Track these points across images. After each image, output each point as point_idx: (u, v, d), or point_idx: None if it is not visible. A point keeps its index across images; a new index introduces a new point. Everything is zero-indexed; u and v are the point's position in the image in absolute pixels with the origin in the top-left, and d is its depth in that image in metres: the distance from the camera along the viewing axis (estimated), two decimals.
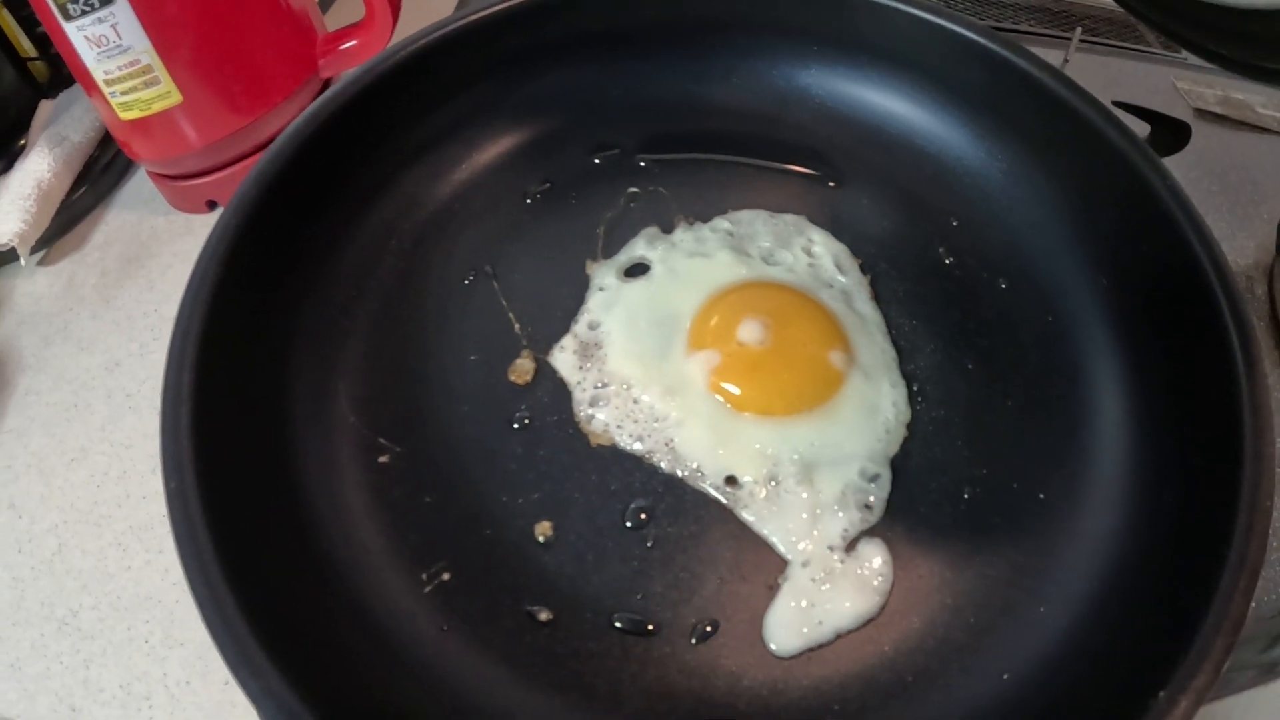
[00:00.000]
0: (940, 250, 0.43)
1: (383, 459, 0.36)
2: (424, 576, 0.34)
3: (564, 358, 0.39)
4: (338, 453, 0.36)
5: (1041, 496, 0.36)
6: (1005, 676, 0.31)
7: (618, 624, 0.33)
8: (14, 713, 0.39)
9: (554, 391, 0.39)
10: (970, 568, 0.34)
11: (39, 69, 0.59)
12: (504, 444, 0.37)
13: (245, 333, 0.35)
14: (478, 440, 0.37)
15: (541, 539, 0.35)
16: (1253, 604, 0.36)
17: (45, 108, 0.59)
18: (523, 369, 0.39)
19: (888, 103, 0.46)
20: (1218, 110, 0.57)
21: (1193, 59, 0.41)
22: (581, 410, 0.38)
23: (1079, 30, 0.56)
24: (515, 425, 0.38)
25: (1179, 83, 0.59)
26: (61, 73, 0.59)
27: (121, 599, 0.41)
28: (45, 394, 0.49)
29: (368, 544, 0.34)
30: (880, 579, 0.34)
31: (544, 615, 0.33)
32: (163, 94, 0.48)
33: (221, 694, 0.38)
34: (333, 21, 0.56)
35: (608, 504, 0.36)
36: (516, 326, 0.41)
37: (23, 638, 0.40)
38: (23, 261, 0.52)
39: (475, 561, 0.34)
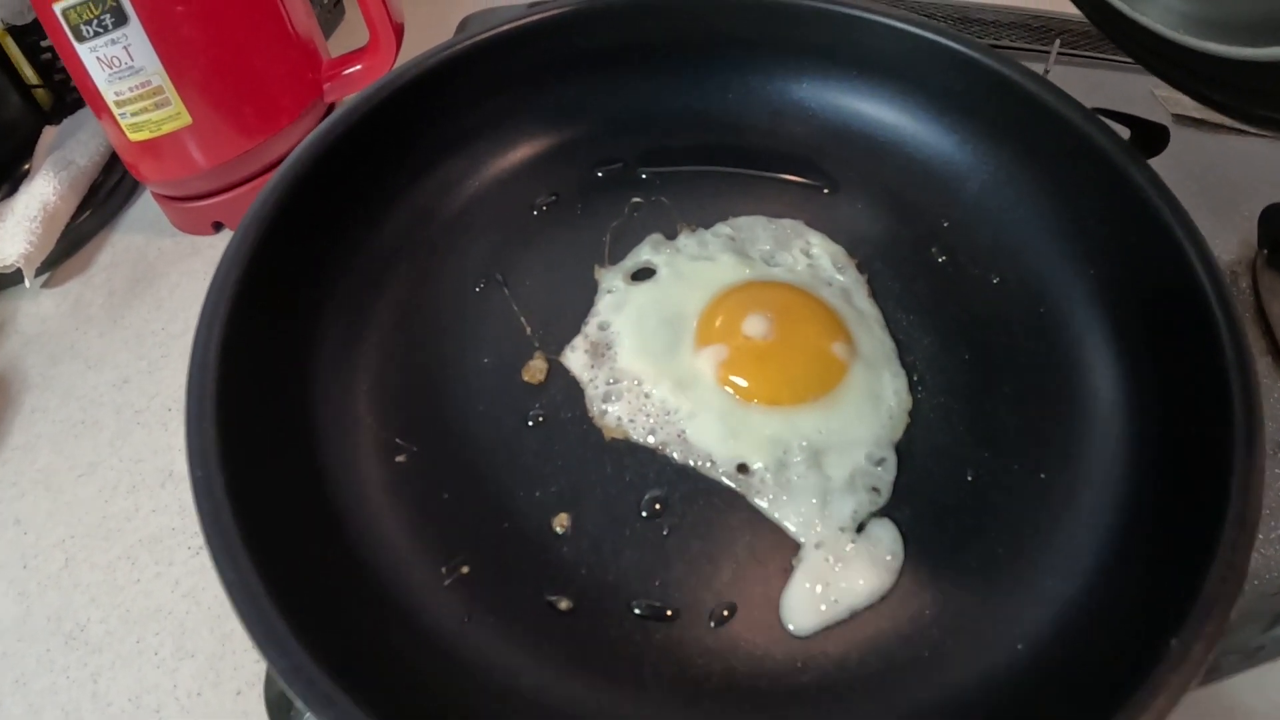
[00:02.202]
0: (933, 250, 0.44)
1: (400, 458, 0.37)
2: (443, 570, 0.34)
3: (575, 357, 0.40)
4: (357, 452, 0.37)
5: (1042, 476, 0.36)
6: (1020, 647, 0.32)
7: (637, 610, 0.34)
8: None
9: (567, 389, 0.40)
10: (978, 544, 0.35)
11: (42, 96, 0.60)
12: (520, 440, 0.38)
13: (265, 340, 0.35)
14: (494, 438, 0.38)
15: (559, 530, 0.35)
16: (1254, 580, 0.37)
17: (49, 133, 0.59)
18: (536, 369, 0.40)
19: (877, 112, 0.47)
20: (1195, 115, 0.58)
21: None
22: (595, 406, 0.39)
23: (1058, 42, 0.57)
24: (530, 423, 0.38)
25: (1157, 90, 0.59)
26: (64, 99, 0.60)
27: (131, 611, 0.41)
28: (52, 411, 0.48)
29: (389, 538, 0.34)
30: (891, 557, 0.34)
31: (564, 604, 0.34)
32: (172, 115, 0.49)
33: (234, 704, 0.38)
34: (335, 47, 0.58)
35: (623, 495, 0.36)
36: (528, 329, 0.41)
37: (28, 653, 0.40)
38: (27, 283, 0.53)
39: (495, 554, 0.35)
